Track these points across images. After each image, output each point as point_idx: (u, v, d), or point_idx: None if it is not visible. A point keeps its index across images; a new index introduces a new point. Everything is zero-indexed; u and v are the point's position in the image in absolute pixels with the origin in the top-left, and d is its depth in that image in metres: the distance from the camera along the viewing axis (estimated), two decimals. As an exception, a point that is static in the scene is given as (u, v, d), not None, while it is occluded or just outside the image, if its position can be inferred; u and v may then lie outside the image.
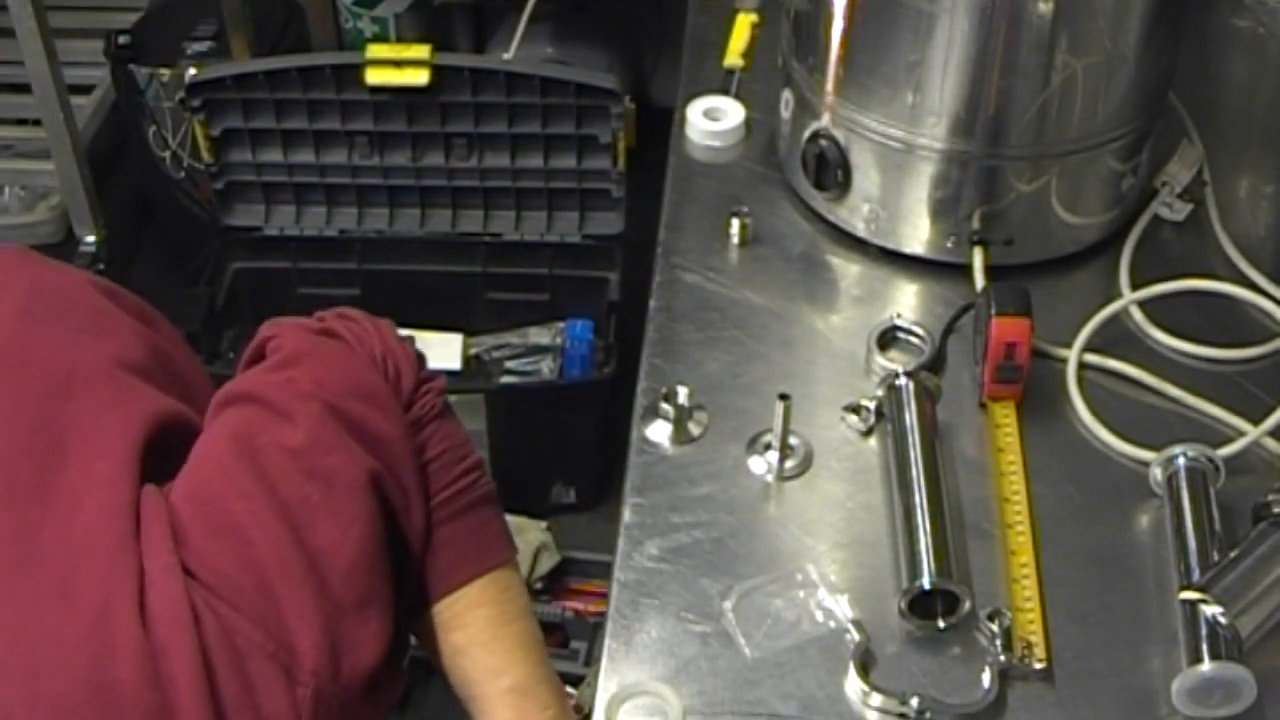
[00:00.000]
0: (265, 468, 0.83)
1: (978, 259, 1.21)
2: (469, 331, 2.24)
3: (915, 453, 1.04)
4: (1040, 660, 0.95)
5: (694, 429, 1.10)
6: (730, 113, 1.39)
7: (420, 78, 2.00)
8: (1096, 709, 0.93)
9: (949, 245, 1.23)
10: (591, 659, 1.98)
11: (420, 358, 0.99)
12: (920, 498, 1.01)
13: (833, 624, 0.97)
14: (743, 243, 1.27)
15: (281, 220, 2.18)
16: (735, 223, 1.26)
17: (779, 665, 0.95)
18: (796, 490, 1.07)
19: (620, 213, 2.12)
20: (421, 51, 2.00)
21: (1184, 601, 0.94)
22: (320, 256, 2.21)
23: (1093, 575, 1.01)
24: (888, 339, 1.17)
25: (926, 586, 0.96)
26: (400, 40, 2.66)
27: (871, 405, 1.10)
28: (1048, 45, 1.12)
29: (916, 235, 1.23)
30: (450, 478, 0.96)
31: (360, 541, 0.84)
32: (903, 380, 1.09)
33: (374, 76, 2.00)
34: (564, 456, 2.20)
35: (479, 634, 0.97)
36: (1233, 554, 0.95)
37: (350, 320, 0.97)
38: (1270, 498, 0.97)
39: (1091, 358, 1.16)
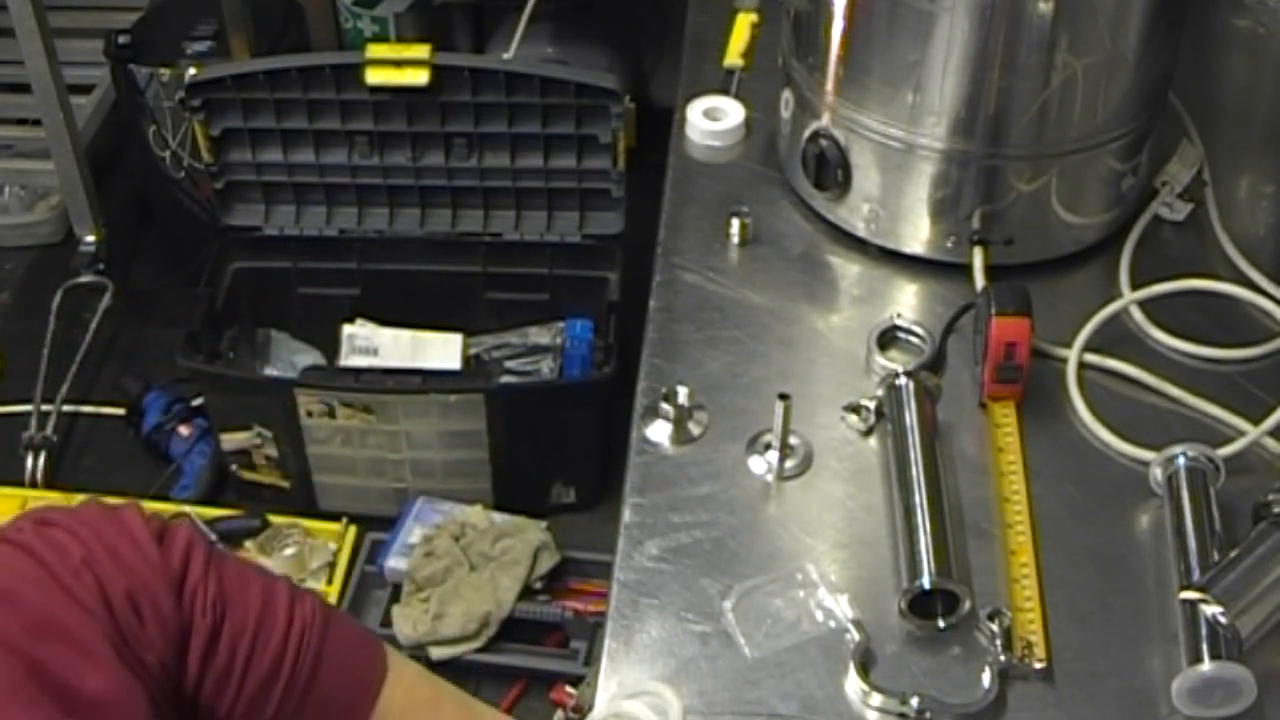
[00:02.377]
0: None
1: (978, 259, 1.21)
2: (469, 331, 2.24)
3: (915, 453, 1.04)
4: (1040, 660, 0.95)
5: (694, 429, 1.10)
6: (730, 113, 1.39)
7: (420, 78, 2.00)
8: (1096, 709, 0.93)
9: (949, 245, 1.23)
10: (591, 659, 1.98)
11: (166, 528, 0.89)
12: (920, 498, 1.01)
13: (833, 624, 0.97)
14: (743, 243, 1.27)
15: (281, 220, 2.18)
16: (735, 223, 1.26)
17: (779, 665, 0.95)
18: (796, 490, 1.07)
19: (620, 213, 2.12)
20: (421, 51, 2.00)
21: (1184, 601, 0.94)
22: (320, 256, 2.21)
23: (1093, 575, 1.01)
24: (888, 339, 1.17)
25: (926, 586, 0.96)
26: (400, 40, 2.66)
27: (871, 405, 1.10)
28: (1048, 45, 1.12)
29: (916, 235, 1.24)
30: (278, 637, 0.89)
31: None
32: (903, 380, 1.09)
33: (374, 76, 2.00)
34: (564, 456, 2.20)
35: None
36: (1233, 554, 0.95)
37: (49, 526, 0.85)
38: (1270, 498, 0.97)
39: (1091, 358, 1.16)
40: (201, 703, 0.88)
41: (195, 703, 0.87)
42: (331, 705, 0.92)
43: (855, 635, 0.96)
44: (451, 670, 2.02)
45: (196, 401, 2.31)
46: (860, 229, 1.25)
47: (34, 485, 2.29)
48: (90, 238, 2.61)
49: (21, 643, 0.77)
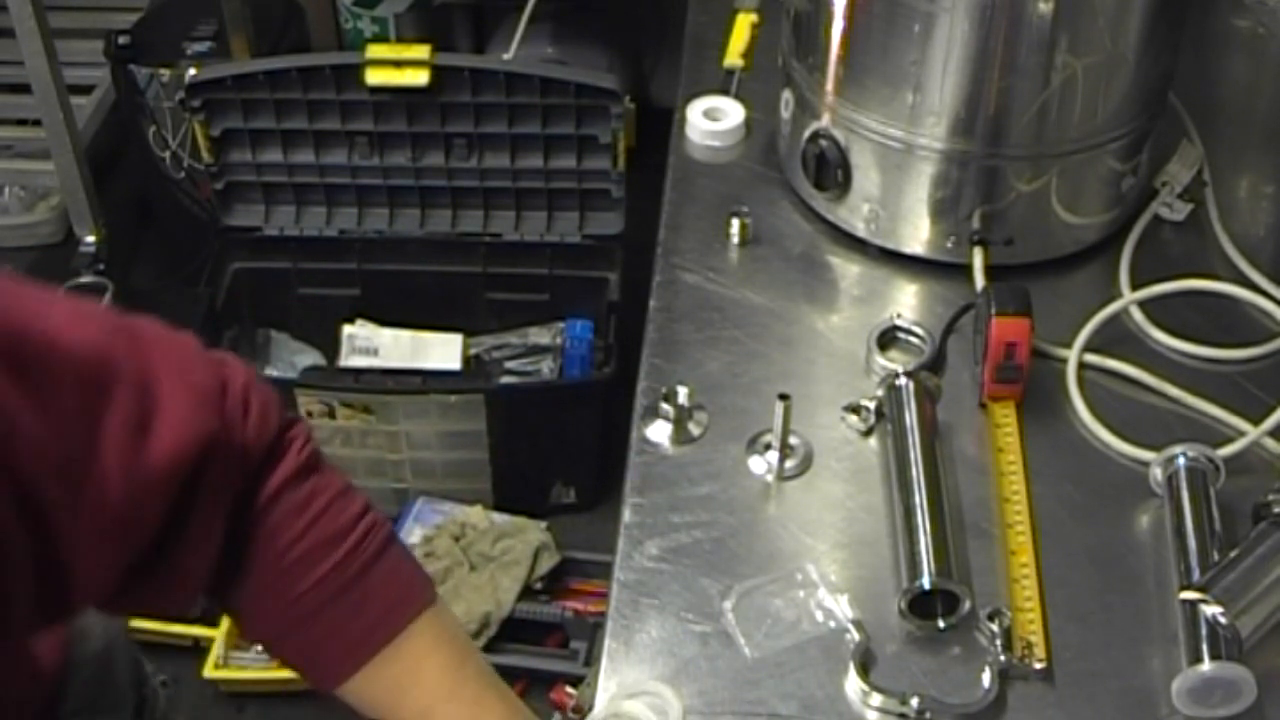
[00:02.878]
0: None
1: (978, 259, 1.21)
2: (469, 332, 2.24)
3: (915, 453, 1.04)
4: (1040, 660, 0.95)
5: (694, 429, 1.10)
6: (730, 113, 1.39)
7: (420, 78, 2.00)
8: (1096, 709, 0.93)
9: (949, 245, 1.23)
10: (591, 659, 1.98)
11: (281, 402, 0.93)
12: (920, 498, 1.01)
13: (833, 624, 0.97)
14: (743, 243, 1.27)
15: (281, 220, 2.18)
16: (735, 223, 1.26)
17: (779, 665, 0.95)
18: (796, 490, 1.07)
19: (620, 213, 2.12)
20: (421, 52, 2.00)
21: (1184, 601, 0.94)
22: (320, 256, 2.21)
23: (1093, 575, 1.01)
24: (888, 339, 1.17)
25: (926, 586, 0.96)
26: (400, 40, 2.66)
27: (871, 405, 1.10)
28: (1048, 45, 1.12)
29: (916, 235, 1.24)
30: (341, 528, 0.90)
31: None
32: (903, 380, 1.09)
33: (374, 77, 2.00)
34: (564, 456, 2.20)
35: (439, 687, 0.93)
36: (1233, 554, 0.95)
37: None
38: (1270, 498, 0.97)
39: (1091, 358, 1.16)
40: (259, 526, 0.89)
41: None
42: (373, 600, 0.91)
43: (855, 635, 0.96)
44: (451, 670, 2.02)
45: (197, 402, 2.30)
46: (860, 229, 1.25)
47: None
48: (90, 238, 2.61)
49: None
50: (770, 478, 1.07)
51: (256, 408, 0.89)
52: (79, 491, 0.78)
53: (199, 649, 2.00)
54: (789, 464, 1.07)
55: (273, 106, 2.05)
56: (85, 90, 2.70)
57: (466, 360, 2.22)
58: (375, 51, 2.02)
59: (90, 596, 0.84)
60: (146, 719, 1.24)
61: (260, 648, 0.93)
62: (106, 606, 0.90)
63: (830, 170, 1.23)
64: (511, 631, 2.02)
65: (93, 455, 0.78)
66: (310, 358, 2.28)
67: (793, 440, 1.08)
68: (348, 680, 0.92)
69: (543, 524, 2.11)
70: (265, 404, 0.90)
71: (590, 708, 0.94)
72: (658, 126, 1.46)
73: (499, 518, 2.12)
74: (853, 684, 0.94)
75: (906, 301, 1.23)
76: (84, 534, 0.79)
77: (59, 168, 2.53)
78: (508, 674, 2.03)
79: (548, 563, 2.06)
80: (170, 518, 0.84)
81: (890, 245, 1.25)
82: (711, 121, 1.38)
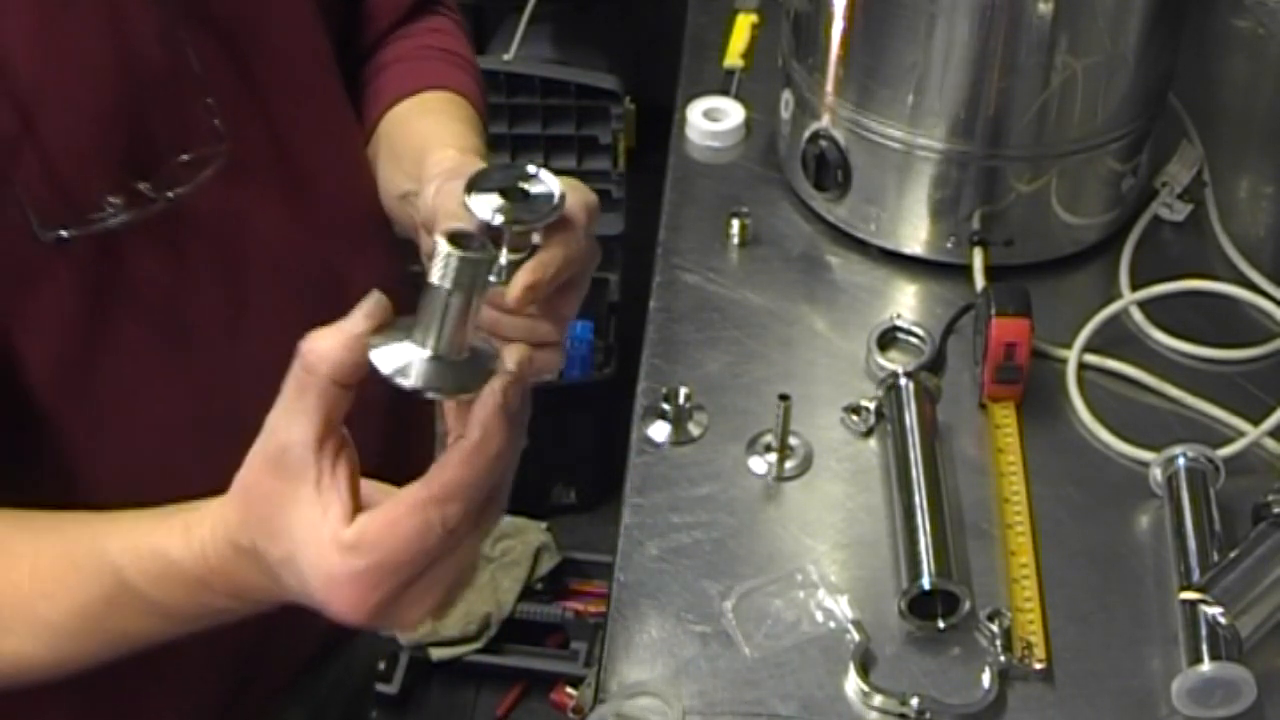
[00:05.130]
0: None
1: (978, 259, 1.21)
2: (469, 332, 2.24)
3: (915, 453, 1.04)
4: (1040, 660, 0.95)
5: (694, 429, 1.10)
6: (730, 113, 1.39)
7: (420, 78, 2.00)
8: (1096, 709, 0.93)
9: (949, 245, 1.23)
10: (591, 659, 1.99)
11: None
12: (920, 498, 1.01)
13: (833, 624, 0.97)
14: (743, 243, 1.27)
15: (282, 221, 2.17)
16: (735, 223, 1.26)
17: (779, 665, 0.95)
18: (796, 490, 1.07)
19: (620, 213, 2.12)
20: (422, 52, 2.00)
21: (1184, 601, 0.94)
22: (321, 257, 2.20)
23: (1093, 575, 1.01)
24: (888, 339, 1.17)
25: (926, 586, 0.96)
26: (400, 41, 2.66)
27: (871, 405, 1.10)
28: (1048, 45, 1.12)
29: (916, 235, 1.24)
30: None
31: None
32: (903, 380, 1.09)
33: (374, 77, 2.00)
34: (564, 457, 2.20)
35: (433, 115, 0.97)
36: (1233, 554, 0.95)
37: None
38: (1270, 498, 0.97)
39: (1091, 358, 1.16)
40: None
41: None
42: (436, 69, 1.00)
43: (855, 635, 0.96)
44: (452, 671, 2.03)
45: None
46: (860, 229, 1.25)
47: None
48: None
49: None
50: (770, 478, 1.07)
51: None
52: None
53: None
54: (789, 464, 1.08)
55: (273, 107, 2.04)
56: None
57: (467, 361, 2.22)
58: (375, 52, 2.02)
59: None
60: None
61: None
62: None
63: (830, 171, 1.23)
64: (512, 632, 2.02)
65: None
66: (311, 358, 2.27)
67: (793, 441, 1.08)
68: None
69: (543, 524, 2.11)
70: None
71: (590, 708, 0.95)
72: (658, 127, 1.46)
73: (499, 518, 2.12)
74: (853, 684, 0.94)
75: (906, 302, 1.23)
76: None
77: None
78: (508, 675, 2.06)
79: (548, 563, 2.06)
80: None
81: (890, 245, 1.25)
82: (711, 122, 1.38)
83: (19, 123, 0.74)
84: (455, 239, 0.64)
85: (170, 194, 0.78)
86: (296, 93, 0.89)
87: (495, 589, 2.01)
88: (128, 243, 0.78)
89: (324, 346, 0.64)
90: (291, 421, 0.64)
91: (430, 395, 0.65)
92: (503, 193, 0.70)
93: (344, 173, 0.94)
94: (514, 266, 0.72)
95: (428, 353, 0.64)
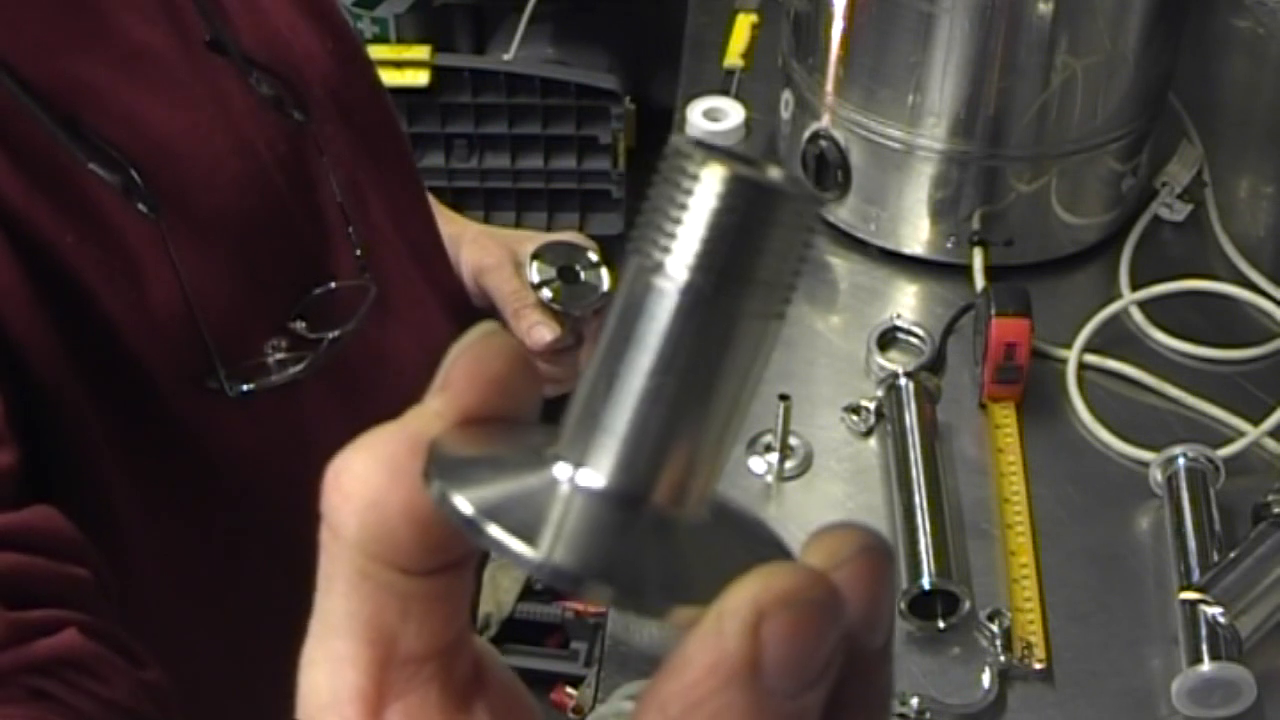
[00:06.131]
0: None
1: (978, 259, 1.21)
2: (470, 332, 2.24)
3: (915, 453, 1.04)
4: (1040, 660, 0.95)
5: (694, 429, 1.10)
6: (730, 113, 1.39)
7: (420, 79, 2.00)
8: (1096, 709, 0.93)
9: (949, 245, 1.23)
10: (591, 659, 1.98)
11: None
12: (920, 498, 1.01)
13: (833, 624, 0.97)
14: (743, 243, 1.26)
15: (282, 221, 2.17)
16: (735, 223, 1.26)
17: (779, 665, 0.95)
18: (796, 490, 1.07)
19: (621, 213, 2.12)
20: (422, 52, 2.01)
21: (1184, 601, 0.94)
22: (320, 257, 2.21)
23: (1093, 575, 1.01)
24: (888, 339, 1.17)
25: (926, 587, 0.96)
26: (400, 41, 2.65)
27: (871, 405, 1.10)
28: (1048, 45, 1.12)
29: (916, 235, 1.24)
30: None
31: None
32: (903, 380, 1.09)
33: (374, 77, 2.00)
34: (564, 457, 2.20)
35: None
36: (1233, 554, 0.95)
37: None
38: (1270, 498, 0.97)
39: (1091, 358, 1.16)
40: None
41: None
42: None
43: (855, 635, 0.96)
44: (452, 671, 2.02)
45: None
46: (860, 229, 1.25)
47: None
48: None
49: None
50: (770, 478, 1.07)
51: None
52: None
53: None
54: (789, 464, 1.07)
55: (273, 107, 2.05)
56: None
57: (467, 361, 2.22)
58: (376, 52, 2.01)
59: None
60: None
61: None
62: None
63: (830, 170, 1.23)
64: (511, 631, 2.02)
65: None
66: (311, 358, 2.27)
67: (793, 440, 1.08)
68: None
69: (543, 525, 2.11)
70: None
71: (590, 708, 0.94)
72: (658, 127, 1.46)
73: (499, 518, 2.12)
74: (853, 684, 0.93)
75: (906, 302, 1.23)
76: None
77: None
78: (508, 674, 2.06)
79: (548, 563, 2.06)
80: None
81: (890, 245, 1.25)
82: (711, 122, 1.38)
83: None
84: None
85: (333, 334, 0.70)
86: (411, 206, 0.85)
87: (495, 589, 2.01)
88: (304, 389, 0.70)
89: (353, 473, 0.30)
90: (323, 655, 0.30)
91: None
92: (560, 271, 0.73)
93: (452, 288, 0.88)
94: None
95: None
